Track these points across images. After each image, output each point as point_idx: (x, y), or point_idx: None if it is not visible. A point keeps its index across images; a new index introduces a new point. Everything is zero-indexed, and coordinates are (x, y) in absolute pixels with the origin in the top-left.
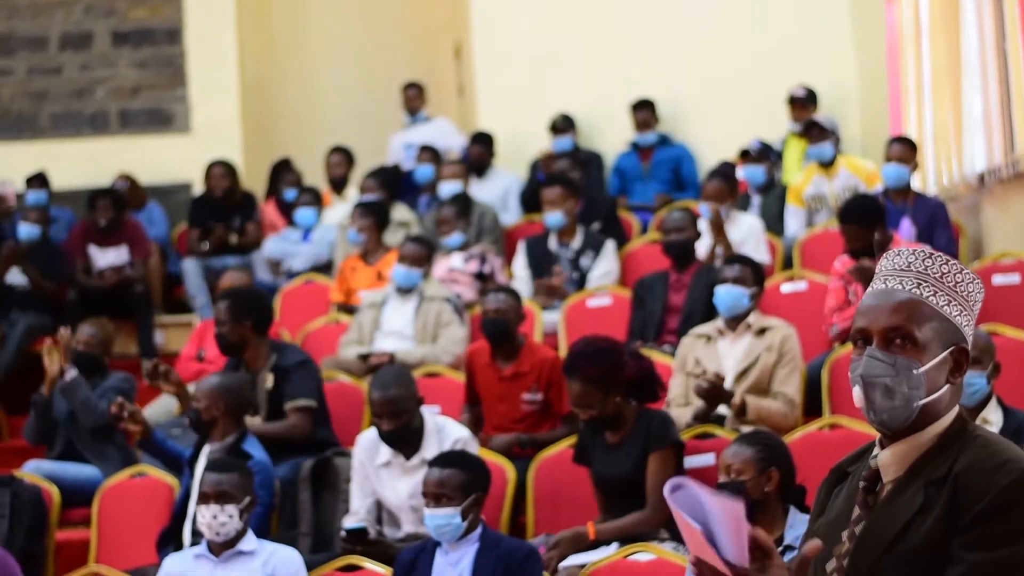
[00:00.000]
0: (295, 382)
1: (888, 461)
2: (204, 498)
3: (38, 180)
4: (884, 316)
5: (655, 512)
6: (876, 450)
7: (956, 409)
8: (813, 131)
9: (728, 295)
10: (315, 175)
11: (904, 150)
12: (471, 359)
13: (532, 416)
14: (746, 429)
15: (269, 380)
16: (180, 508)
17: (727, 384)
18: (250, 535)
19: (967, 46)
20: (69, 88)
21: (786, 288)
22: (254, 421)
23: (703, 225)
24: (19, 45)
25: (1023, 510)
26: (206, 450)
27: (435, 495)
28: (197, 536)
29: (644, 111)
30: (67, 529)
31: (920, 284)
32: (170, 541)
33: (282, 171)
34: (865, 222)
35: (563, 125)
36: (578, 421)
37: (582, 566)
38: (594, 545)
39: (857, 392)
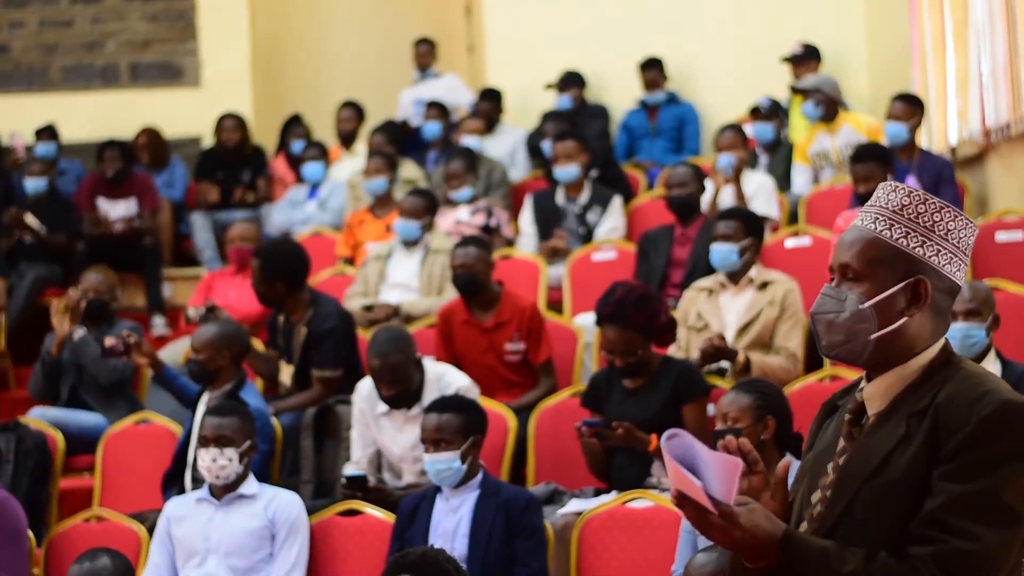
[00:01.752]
0: (323, 350)
1: (873, 394)
2: (204, 441)
3: (47, 132)
4: (841, 253)
5: None
6: (863, 383)
7: (941, 342)
8: (798, 92)
9: (716, 252)
10: (325, 130)
11: (904, 108)
12: (446, 321)
13: (517, 367)
14: None
15: (303, 334)
16: (181, 452)
17: (729, 337)
18: (251, 479)
19: (975, 3)
20: (80, 41)
21: (790, 243)
22: (284, 380)
23: (719, 177)
24: None
25: (1002, 441)
26: (205, 398)
27: (434, 440)
28: (198, 481)
29: (652, 70)
30: (72, 476)
31: (877, 219)
32: (174, 484)
33: (292, 127)
34: (880, 161)
35: (563, 84)
36: (552, 372)
37: (579, 513)
38: (644, 455)
39: (813, 329)
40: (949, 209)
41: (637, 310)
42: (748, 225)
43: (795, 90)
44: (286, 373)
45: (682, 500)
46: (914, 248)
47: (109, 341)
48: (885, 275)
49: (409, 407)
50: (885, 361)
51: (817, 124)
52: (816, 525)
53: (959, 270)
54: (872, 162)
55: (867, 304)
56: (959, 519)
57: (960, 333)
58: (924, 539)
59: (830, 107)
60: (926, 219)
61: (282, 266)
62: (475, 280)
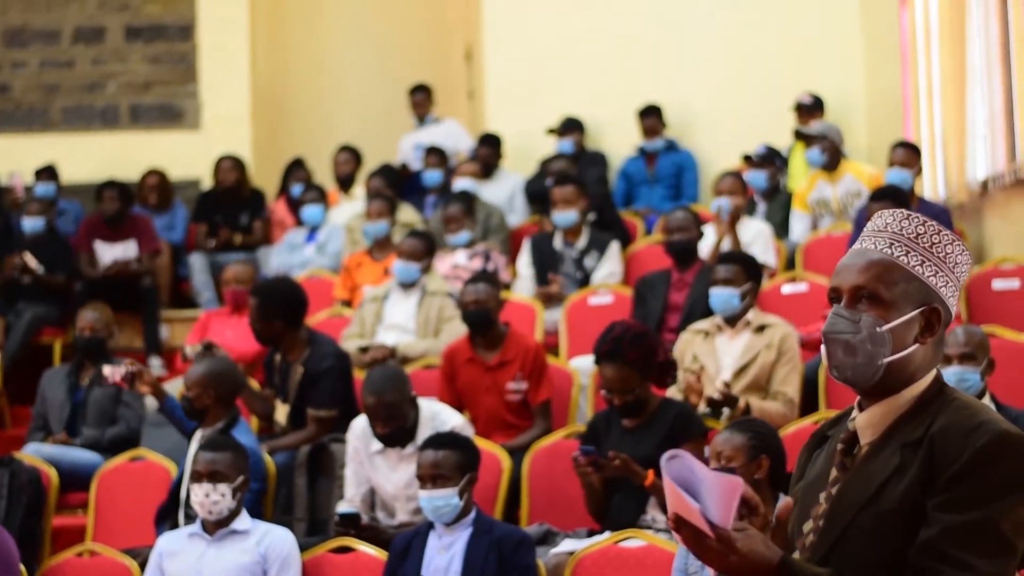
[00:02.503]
0: (319, 390)
1: (865, 423)
2: (197, 476)
3: (47, 173)
4: (853, 275)
5: None
6: (855, 413)
7: (934, 372)
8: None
9: (717, 297)
10: (324, 174)
11: (907, 155)
12: (450, 360)
13: (517, 409)
14: None
15: (299, 373)
16: (177, 487)
17: (726, 377)
18: (244, 515)
19: (972, 53)
20: (81, 82)
21: (787, 289)
22: (279, 419)
23: (711, 223)
24: (32, 38)
25: (998, 471)
26: (198, 435)
27: (431, 476)
28: (191, 518)
29: (651, 118)
30: (65, 514)
31: (893, 244)
32: (167, 519)
33: (294, 170)
34: (899, 202)
35: (564, 129)
36: (549, 414)
37: (572, 552)
38: (639, 491)
39: (822, 349)
40: (959, 243)
41: (634, 347)
42: (748, 269)
43: (802, 136)
44: (281, 412)
45: (679, 523)
46: (928, 277)
47: (107, 370)
48: (902, 301)
49: (403, 445)
50: (887, 388)
51: (818, 172)
52: (809, 554)
53: (956, 303)
54: (891, 201)
55: (885, 327)
56: (955, 549)
57: (955, 377)
58: (920, 569)
59: (834, 155)
60: (939, 249)
61: (280, 305)
62: (487, 317)
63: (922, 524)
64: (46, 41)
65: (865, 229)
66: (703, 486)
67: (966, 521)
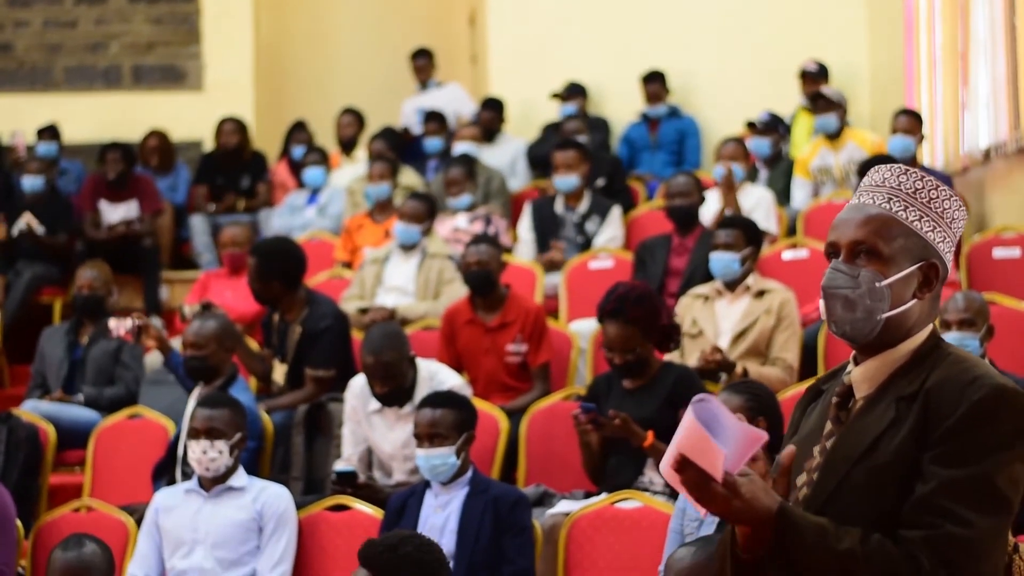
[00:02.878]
0: (317, 349)
1: (861, 377)
2: (194, 433)
3: (49, 132)
4: (851, 230)
5: None
6: (850, 366)
7: (930, 327)
8: (819, 102)
9: (718, 261)
10: (327, 137)
11: (910, 122)
12: (450, 321)
13: (516, 371)
14: None
15: (297, 333)
16: (175, 444)
17: (724, 344)
18: (240, 472)
19: (976, 22)
20: (83, 42)
21: (787, 255)
22: (277, 379)
23: (714, 187)
24: None
25: (993, 425)
26: (196, 392)
27: (428, 435)
28: (188, 476)
29: (655, 83)
30: (63, 471)
31: (891, 199)
32: (164, 475)
33: (296, 132)
34: None
35: (568, 94)
36: (548, 377)
37: (568, 513)
38: (637, 453)
39: (821, 304)
40: (956, 198)
41: (637, 307)
42: (748, 234)
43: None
44: (279, 372)
45: (683, 466)
46: (926, 232)
47: (112, 323)
48: (901, 256)
49: (401, 405)
50: (884, 342)
51: (820, 139)
52: (803, 507)
53: (951, 258)
54: None
55: (885, 282)
56: (952, 504)
57: (954, 342)
58: (916, 523)
59: (842, 123)
60: (937, 205)
61: (279, 264)
62: (489, 278)
63: (917, 478)
64: (49, 0)
65: (862, 184)
66: (725, 433)
67: (962, 476)
